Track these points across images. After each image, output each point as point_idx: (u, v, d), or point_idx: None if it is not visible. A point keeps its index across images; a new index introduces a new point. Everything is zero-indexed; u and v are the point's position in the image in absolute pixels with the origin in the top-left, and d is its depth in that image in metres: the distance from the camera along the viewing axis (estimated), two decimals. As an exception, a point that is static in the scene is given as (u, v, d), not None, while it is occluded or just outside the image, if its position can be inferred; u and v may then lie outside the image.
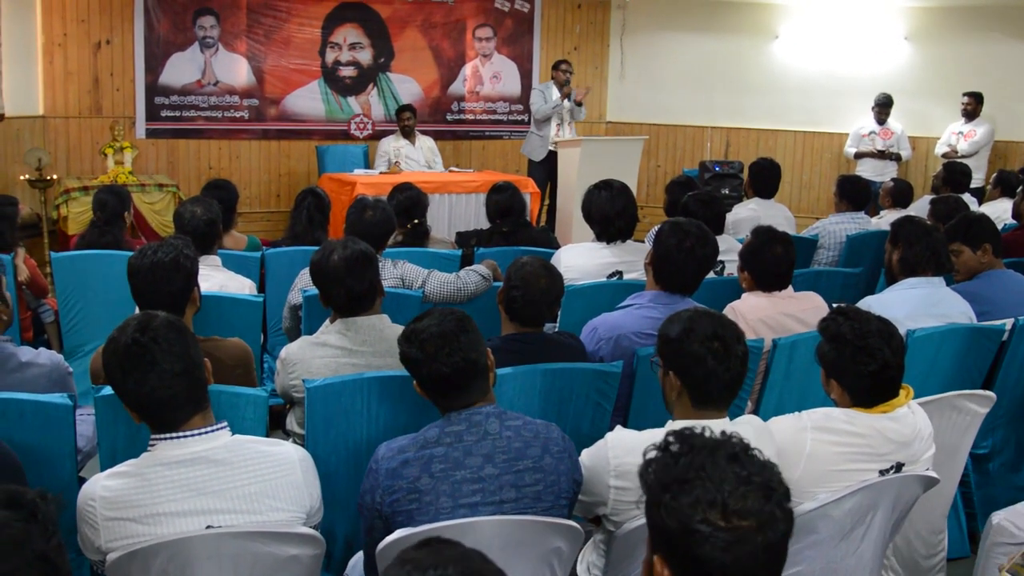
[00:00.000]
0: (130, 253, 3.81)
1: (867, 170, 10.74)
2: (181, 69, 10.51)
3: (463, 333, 2.80)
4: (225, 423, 2.63)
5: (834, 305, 3.63)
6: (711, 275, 5.21)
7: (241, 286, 4.75)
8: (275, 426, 4.01)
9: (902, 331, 4.03)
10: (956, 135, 10.90)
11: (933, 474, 3.06)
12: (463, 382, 2.77)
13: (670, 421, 2.86)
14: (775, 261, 4.40)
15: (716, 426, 2.53)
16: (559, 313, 4.62)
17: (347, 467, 3.37)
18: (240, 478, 2.55)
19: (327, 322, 3.82)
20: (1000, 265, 5.02)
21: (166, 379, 2.52)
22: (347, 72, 11.36)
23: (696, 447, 1.82)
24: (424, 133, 10.80)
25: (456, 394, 2.78)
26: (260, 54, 10.84)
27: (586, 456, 2.91)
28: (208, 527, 2.50)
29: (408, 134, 10.47)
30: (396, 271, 4.80)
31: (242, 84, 10.83)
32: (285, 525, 2.60)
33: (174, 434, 2.55)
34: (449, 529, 2.54)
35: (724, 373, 2.79)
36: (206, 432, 2.57)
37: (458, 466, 2.67)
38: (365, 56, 11.40)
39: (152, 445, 2.56)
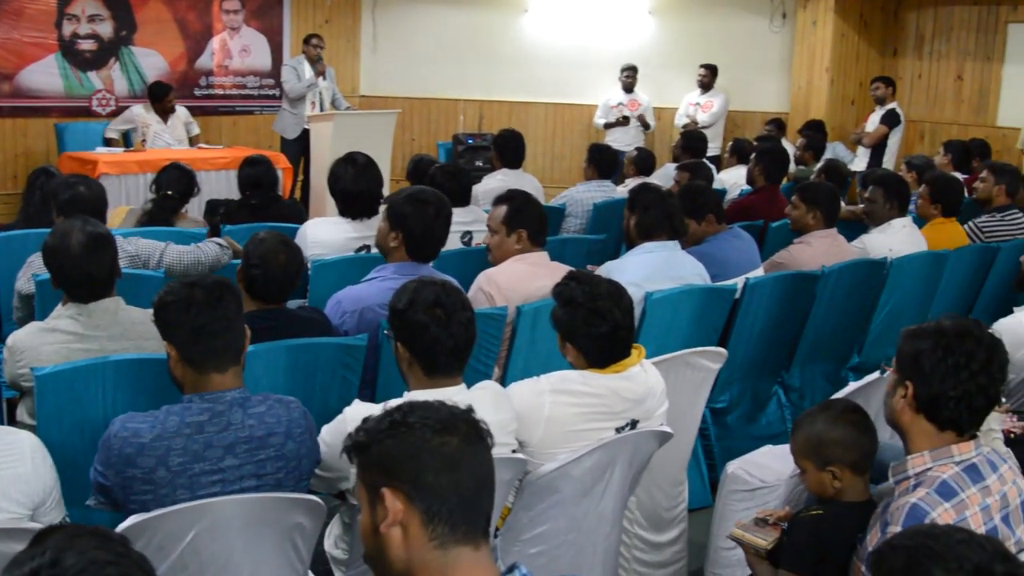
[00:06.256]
0: None
1: (616, 140, 11.05)
2: (-101, 42, 9.74)
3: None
4: None
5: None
6: (460, 245, 5.26)
7: (-36, 273, 4.47)
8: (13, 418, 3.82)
9: (640, 294, 4.20)
10: (694, 106, 11.38)
11: (667, 429, 3.19)
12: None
13: (406, 392, 2.88)
14: (541, 215, 4.50)
15: (452, 394, 2.57)
16: (308, 288, 4.57)
17: (84, 457, 3.17)
18: None
19: (59, 306, 3.64)
20: (724, 229, 5.29)
21: None
22: (87, 46, 10.77)
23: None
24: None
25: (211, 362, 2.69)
26: (-11, 26, 10.17)
27: (326, 432, 2.88)
28: None
29: (163, 113, 9.89)
30: (130, 248, 4.59)
31: (-30, 59, 10.14)
32: (13, 522, 2.46)
33: None
34: (188, 510, 2.48)
35: (448, 340, 2.82)
36: None
37: (197, 459, 2.58)
38: (106, 29, 10.84)
39: None
